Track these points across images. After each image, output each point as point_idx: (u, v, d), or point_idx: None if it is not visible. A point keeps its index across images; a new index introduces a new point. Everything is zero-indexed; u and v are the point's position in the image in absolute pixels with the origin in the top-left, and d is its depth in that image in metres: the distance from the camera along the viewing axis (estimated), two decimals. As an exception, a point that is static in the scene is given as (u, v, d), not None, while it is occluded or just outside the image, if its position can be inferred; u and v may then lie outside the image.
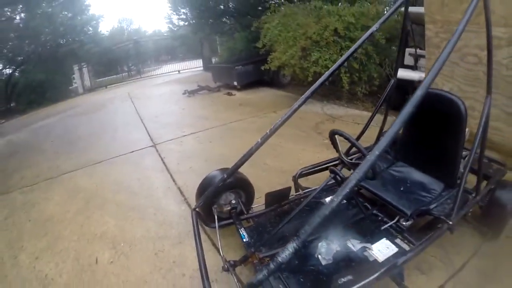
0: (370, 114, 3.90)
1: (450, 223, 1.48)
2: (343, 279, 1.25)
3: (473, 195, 1.78)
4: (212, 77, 8.44)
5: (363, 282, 1.20)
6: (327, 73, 1.65)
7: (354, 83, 4.49)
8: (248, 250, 1.50)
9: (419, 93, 1.07)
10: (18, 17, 9.45)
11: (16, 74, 11.90)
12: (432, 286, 1.53)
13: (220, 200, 1.93)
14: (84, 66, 12.72)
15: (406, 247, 1.52)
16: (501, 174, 2.02)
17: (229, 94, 6.97)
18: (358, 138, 2.35)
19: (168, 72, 14.80)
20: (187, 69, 14.60)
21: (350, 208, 1.87)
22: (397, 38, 4.29)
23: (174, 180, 3.13)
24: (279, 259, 0.89)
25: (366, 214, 1.75)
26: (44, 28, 10.59)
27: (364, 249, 1.54)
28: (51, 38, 11.56)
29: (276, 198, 1.92)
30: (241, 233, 1.70)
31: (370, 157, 0.94)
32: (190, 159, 3.62)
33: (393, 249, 1.51)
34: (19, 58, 11.48)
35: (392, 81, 2.33)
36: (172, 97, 7.71)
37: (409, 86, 3.65)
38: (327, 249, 1.51)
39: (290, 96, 6.14)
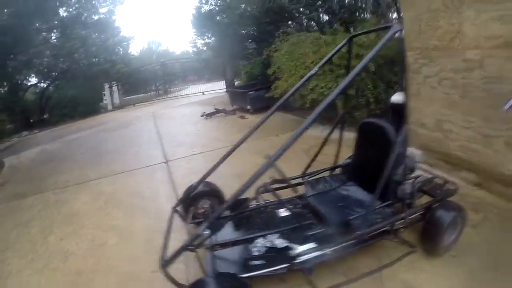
0: None
1: (359, 233, 1.95)
2: (256, 262, 1.91)
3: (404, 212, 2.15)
4: (230, 100, 9.69)
5: (273, 268, 1.84)
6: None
7: (355, 108, 5.26)
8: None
9: (328, 100, 1.68)
10: (54, 37, 11.51)
11: (50, 88, 14.28)
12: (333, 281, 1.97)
13: (197, 204, 2.72)
14: (114, 84, 14.85)
15: (321, 249, 2.00)
16: (446, 195, 2.34)
17: (242, 117, 8.04)
18: (313, 159, 3.04)
19: (193, 93, 16.42)
20: (211, 90, 16.11)
21: (293, 217, 2.40)
22: (390, 63, 4.94)
23: (175, 190, 4.07)
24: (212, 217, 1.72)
25: (302, 223, 2.27)
26: (77, 48, 12.75)
27: (289, 246, 2.06)
28: (84, 57, 13.89)
29: (238, 205, 2.40)
30: (202, 227, 2.32)
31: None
32: (194, 175, 4.52)
33: (311, 250, 1.99)
34: (54, 74, 13.95)
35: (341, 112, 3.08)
36: (191, 119, 8.93)
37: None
38: (260, 242, 2.13)
39: (298, 120, 6.95)
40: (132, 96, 17.28)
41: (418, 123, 3.59)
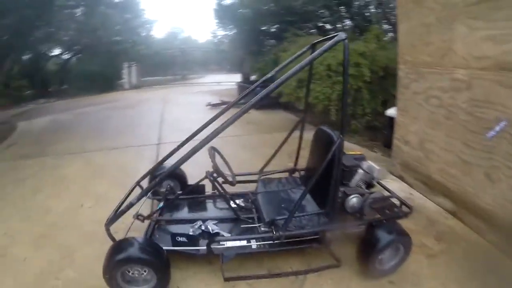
0: (357, 147, 4.80)
1: (276, 234, 2.05)
2: (180, 238, 2.14)
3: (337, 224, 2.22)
4: (238, 94, 9.88)
5: (195, 248, 2.11)
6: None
7: (352, 117, 5.33)
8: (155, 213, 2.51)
9: (252, 101, 1.76)
10: (79, 12, 12.11)
11: (72, 61, 15.02)
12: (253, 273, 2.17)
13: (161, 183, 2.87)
14: (133, 64, 15.37)
15: (245, 242, 2.18)
16: (391, 216, 2.30)
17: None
18: (270, 159, 3.16)
19: (210, 82, 16.76)
20: (227, 82, 16.39)
21: (235, 209, 2.54)
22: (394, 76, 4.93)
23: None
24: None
25: (240, 216, 2.45)
26: (100, 25, 13.39)
27: (218, 233, 2.33)
28: (106, 34, 14.49)
29: (194, 190, 2.74)
30: (159, 204, 2.64)
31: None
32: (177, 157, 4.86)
33: (235, 240, 2.22)
34: (77, 48, 14.62)
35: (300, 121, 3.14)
36: (197, 107, 9.21)
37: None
38: (197, 225, 2.41)
39: (296, 120, 7.11)
40: (150, 78, 17.83)
41: (403, 140, 3.62)
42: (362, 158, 2.64)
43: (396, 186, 3.51)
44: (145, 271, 1.92)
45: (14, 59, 9.19)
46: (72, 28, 13.14)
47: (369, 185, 2.57)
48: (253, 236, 2.25)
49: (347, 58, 1.86)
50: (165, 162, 2.75)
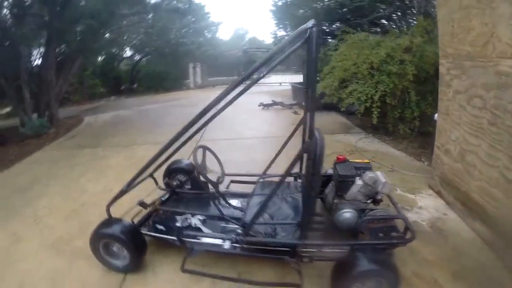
0: (402, 154, 4.56)
1: (242, 238, 2.07)
2: (159, 226, 2.44)
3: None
4: (292, 95, 9.82)
5: (169, 237, 2.29)
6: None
7: (401, 120, 4.87)
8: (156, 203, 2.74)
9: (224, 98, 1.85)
10: (149, 16, 13.48)
11: (143, 62, 16.89)
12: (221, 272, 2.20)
13: (173, 177, 3.21)
14: (198, 65, 16.52)
15: (216, 241, 2.25)
16: (381, 243, 2.04)
17: (295, 112, 8.12)
18: (272, 160, 3.02)
19: (272, 83, 16.98)
20: (289, 82, 16.40)
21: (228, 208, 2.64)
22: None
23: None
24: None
25: (227, 215, 2.46)
26: (168, 29, 14.78)
27: (199, 228, 2.45)
28: (174, 37, 15.92)
29: (201, 186, 3.01)
30: (164, 195, 2.92)
31: None
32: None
33: (208, 237, 2.29)
34: (146, 49, 16.36)
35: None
36: (250, 107, 9.42)
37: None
38: (186, 218, 2.57)
39: (348, 124, 6.73)
40: (215, 78, 18.88)
41: (443, 149, 3.15)
42: (366, 167, 2.38)
43: (431, 203, 3.12)
44: (123, 249, 2.20)
45: (86, 61, 10.73)
46: (141, 32, 14.77)
47: (374, 200, 2.31)
48: (220, 236, 2.30)
49: (313, 49, 1.68)
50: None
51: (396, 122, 4.98)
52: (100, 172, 4.65)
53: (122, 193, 2.29)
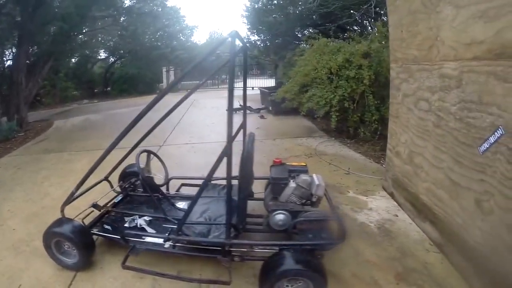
0: (361, 157, 4.46)
1: (174, 237, 2.14)
2: (106, 226, 2.47)
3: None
4: (260, 99, 9.74)
5: (113, 236, 2.33)
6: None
7: (362, 123, 4.87)
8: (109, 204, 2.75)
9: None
10: (122, 19, 13.04)
11: (117, 64, 16.32)
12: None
13: (127, 180, 3.12)
14: (172, 69, 16.09)
15: (158, 240, 2.29)
16: (305, 244, 1.99)
17: (262, 117, 8.03)
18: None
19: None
20: (262, 87, 16.38)
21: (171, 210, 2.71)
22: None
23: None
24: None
25: (167, 216, 2.51)
26: (141, 32, 14.36)
27: (143, 228, 2.48)
28: (148, 40, 15.49)
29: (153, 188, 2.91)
30: (117, 197, 2.91)
31: None
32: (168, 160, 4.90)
33: (147, 237, 2.34)
34: (120, 52, 15.79)
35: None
36: (217, 111, 9.27)
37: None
38: (133, 218, 2.59)
39: (312, 128, 6.71)
40: (188, 82, 18.47)
41: (394, 151, 3.14)
42: (302, 170, 2.38)
43: (383, 205, 3.09)
44: (73, 248, 2.26)
45: (57, 63, 10.18)
46: (115, 34, 14.25)
47: (312, 203, 2.28)
48: (156, 235, 2.34)
49: (232, 59, 1.74)
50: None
51: (357, 125, 4.98)
52: (63, 176, 4.45)
53: (72, 194, 2.36)
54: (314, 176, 2.34)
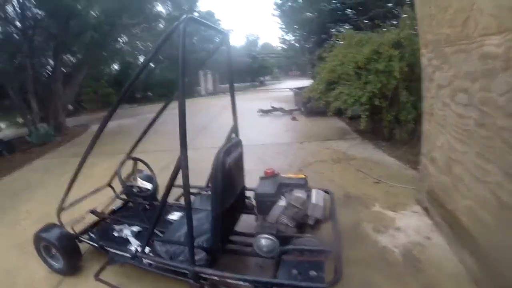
0: (396, 162, 3.99)
1: (139, 255, 1.99)
2: (91, 234, 2.47)
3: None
4: (294, 100, 9.30)
5: (95, 244, 2.31)
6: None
7: (398, 123, 4.26)
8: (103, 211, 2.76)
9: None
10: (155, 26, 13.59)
11: (156, 69, 16.98)
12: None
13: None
14: (209, 72, 16.38)
15: (133, 249, 2.16)
16: (288, 283, 1.63)
17: (294, 119, 7.59)
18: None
19: (283, 88, 16.57)
20: (301, 86, 15.92)
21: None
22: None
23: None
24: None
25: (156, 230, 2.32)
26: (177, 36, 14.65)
27: (127, 239, 2.41)
28: (188, 45, 15.78)
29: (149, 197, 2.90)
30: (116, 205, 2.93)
31: None
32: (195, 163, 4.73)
33: (125, 248, 2.23)
34: (160, 58, 16.39)
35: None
36: (250, 114, 9.06)
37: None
38: (123, 227, 2.56)
39: (345, 129, 6.14)
40: (226, 85, 18.73)
41: (429, 157, 2.55)
42: (298, 184, 1.95)
43: (414, 223, 2.54)
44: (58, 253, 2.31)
45: (92, 71, 10.81)
46: (152, 40, 14.85)
47: (311, 226, 1.89)
48: (124, 249, 2.20)
49: (181, 45, 1.59)
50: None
51: (392, 125, 4.36)
52: (82, 180, 4.41)
53: (62, 201, 2.48)
54: (313, 192, 1.96)
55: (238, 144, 2.21)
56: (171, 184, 1.76)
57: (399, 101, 3.98)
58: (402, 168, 3.76)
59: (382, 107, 4.10)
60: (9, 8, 7.34)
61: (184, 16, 1.58)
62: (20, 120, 11.04)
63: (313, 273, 1.60)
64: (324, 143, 5.23)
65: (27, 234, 2.98)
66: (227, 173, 1.83)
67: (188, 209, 1.63)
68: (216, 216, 1.76)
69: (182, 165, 1.59)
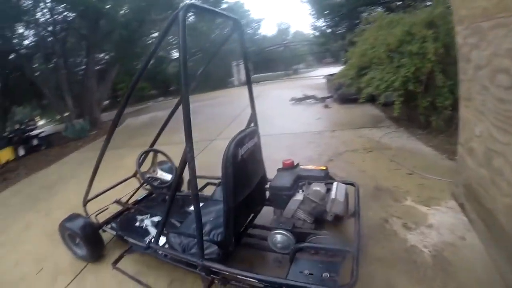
0: (432, 151, 3.73)
1: (153, 246, 2.01)
2: (113, 224, 2.61)
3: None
4: (327, 87, 8.98)
5: (116, 233, 2.43)
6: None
7: (435, 109, 3.92)
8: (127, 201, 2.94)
9: None
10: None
11: (189, 63, 17.49)
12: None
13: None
14: (241, 63, 16.37)
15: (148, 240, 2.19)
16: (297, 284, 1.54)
17: (326, 106, 7.32)
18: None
19: (317, 76, 16.14)
20: (334, 73, 15.41)
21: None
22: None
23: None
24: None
25: (173, 220, 2.47)
26: (207, 29, 15.22)
27: (147, 229, 2.53)
28: (215, 36, 16.43)
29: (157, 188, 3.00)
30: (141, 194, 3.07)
31: None
32: (205, 154, 4.91)
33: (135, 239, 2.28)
34: (192, 50, 16.72)
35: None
36: (282, 103, 8.98)
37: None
38: (142, 220, 2.67)
39: (380, 116, 5.79)
40: (260, 74, 18.66)
41: (467, 147, 2.27)
42: (318, 176, 1.83)
43: (448, 220, 2.31)
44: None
45: (124, 67, 11.27)
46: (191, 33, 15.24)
47: (323, 222, 1.79)
48: (139, 239, 2.23)
49: (180, 33, 1.50)
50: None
51: (429, 112, 4.01)
52: (111, 171, 4.67)
53: (86, 192, 2.67)
54: (334, 185, 1.83)
55: (254, 133, 2.11)
56: (179, 176, 1.76)
57: (435, 86, 3.62)
58: (438, 158, 3.44)
59: (417, 93, 3.77)
60: (40, 14, 7.87)
61: (186, 4, 1.54)
62: (57, 116, 11.95)
63: (326, 274, 1.50)
64: (357, 131, 4.99)
65: (57, 223, 3.20)
66: (240, 165, 1.77)
67: (195, 202, 1.61)
68: (228, 209, 1.72)
69: (188, 157, 1.56)
